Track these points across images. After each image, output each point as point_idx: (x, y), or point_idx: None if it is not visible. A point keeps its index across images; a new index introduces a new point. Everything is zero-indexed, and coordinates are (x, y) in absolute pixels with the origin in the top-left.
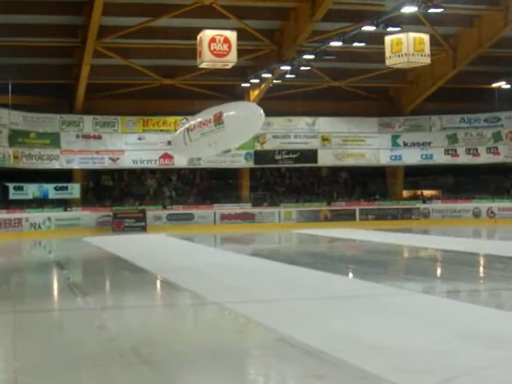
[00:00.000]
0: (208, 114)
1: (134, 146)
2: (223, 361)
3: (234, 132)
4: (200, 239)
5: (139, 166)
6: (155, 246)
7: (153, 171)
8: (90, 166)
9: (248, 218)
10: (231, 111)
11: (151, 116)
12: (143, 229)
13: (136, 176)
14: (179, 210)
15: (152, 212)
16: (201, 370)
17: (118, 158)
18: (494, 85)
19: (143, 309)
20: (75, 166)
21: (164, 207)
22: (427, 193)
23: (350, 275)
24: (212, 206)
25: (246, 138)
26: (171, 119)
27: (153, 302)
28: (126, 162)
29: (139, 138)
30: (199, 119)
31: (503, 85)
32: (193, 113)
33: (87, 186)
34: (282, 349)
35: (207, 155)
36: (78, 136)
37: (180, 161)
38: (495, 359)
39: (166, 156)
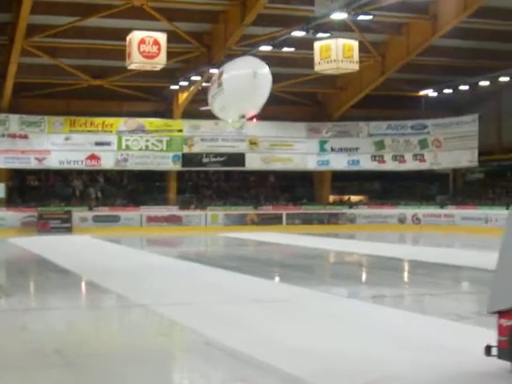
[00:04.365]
0: (220, 69)
1: (60, 146)
2: (148, 364)
3: (233, 95)
4: (126, 241)
5: (66, 166)
6: (80, 247)
7: (79, 172)
8: (16, 165)
9: (175, 220)
10: (231, 70)
11: (79, 116)
12: (69, 230)
13: (62, 176)
14: (105, 211)
15: (78, 213)
16: (125, 373)
17: (44, 158)
18: (422, 92)
19: (68, 310)
20: (0, 165)
21: (90, 209)
22: (355, 198)
23: (276, 279)
24: (139, 208)
25: (250, 101)
26: (99, 120)
27: (78, 304)
28: (53, 162)
29: (66, 139)
30: (214, 76)
31: (430, 92)
32: (121, 114)
33: (12, 185)
34: (208, 352)
35: (229, 119)
36: (3, 135)
37: (107, 162)
38: (416, 363)
39: (92, 157)
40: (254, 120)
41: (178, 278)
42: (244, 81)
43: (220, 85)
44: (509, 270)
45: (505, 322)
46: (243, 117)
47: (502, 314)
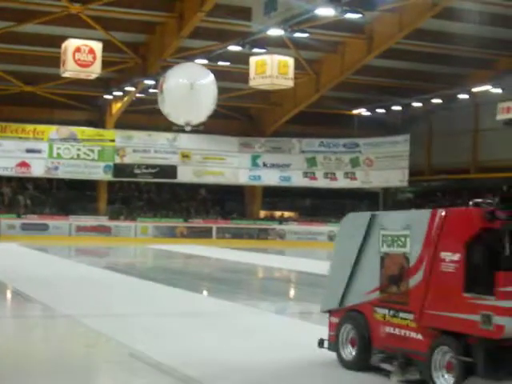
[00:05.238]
0: (164, 75)
1: None
2: (71, 375)
3: (173, 105)
4: (54, 250)
5: None
6: (6, 255)
7: (9, 179)
8: None
9: (104, 230)
10: (171, 78)
11: (9, 123)
12: None
13: None
14: (34, 219)
15: (5, 220)
16: None
17: None
18: (355, 111)
19: None
20: None
21: (18, 216)
22: (287, 214)
23: (205, 293)
24: (68, 217)
25: (190, 111)
26: (30, 127)
27: (1, 313)
28: None
29: None
30: (160, 81)
31: (363, 112)
32: (53, 122)
33: None
34: (133, 364)
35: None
36: None
37: (37, 169)
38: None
39: (23, 164)
40: (201, 127)
41: (105, 289)
42: (181, 92)
43: (161, 93)
44: (337, 275)
45: (333, 320)
46: (188, 124)
47: (331, 312)
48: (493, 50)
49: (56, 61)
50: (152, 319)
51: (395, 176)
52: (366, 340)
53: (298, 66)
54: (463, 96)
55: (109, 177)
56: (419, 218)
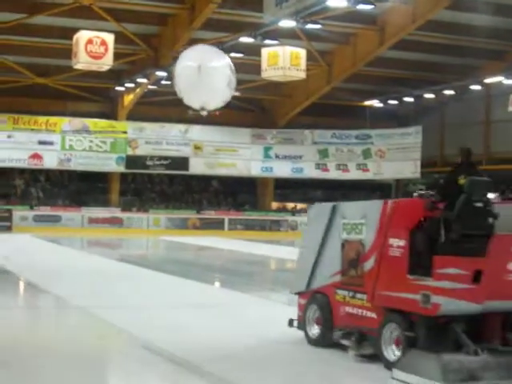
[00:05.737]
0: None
1: (2, 144)
2: (84, 366)
3: (183, 88)
4: (66, 242)
5: (8, 164)
6: (19, 247)
7: (21, 171)
8: None
9: (116, 222)
10: (181, 61)
11: (22, 114)
12: (9, 229)
13: (4, 175)
14: (47, 211)
15: (18, 212)
16: (61, 375)
17: None
18: (367, 103)
19: (3, 310)
20: None
21: (31, 208)
22: (299, 206)
23: (217, 284)
24: (80, 208)
25: (200, 95)
26: (42, 119)
27: (14, 304)
28: None
29: (8, 136)
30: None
31: (375, 103)
32: (65, 114)
33: None
34: (145, 356)
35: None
36: None
37: (50, 161)
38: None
39: (35, 156)
40: (217, 113)
41: (117, 280)
42: (189, 74)
43: (174, 76)
44: (304, 260)
45: (302, 301)
46: (203, 108)
47: (300, 294)
48: (505, 41)
49: (68, 53)
50: (164, 311)
51: (407, 167)
52: (328, 319)
53: (310, 57)
54: (475, 87)
55: (121, 168)
56: (373, 208)
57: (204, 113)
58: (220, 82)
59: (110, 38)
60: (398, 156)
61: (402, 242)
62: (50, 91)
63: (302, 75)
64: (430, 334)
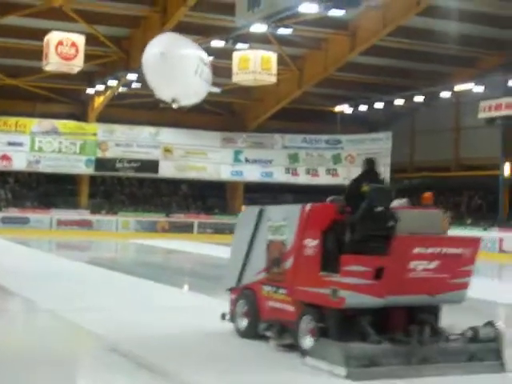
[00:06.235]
0: None
1: None
2: (52, 369)
3: (149, 77)
4: (35, 244)
5: None
6: None
7: None
8: None
9: (85, 224)
10: (147, 48)
11: None
12: None
13: None
14: (15, 212)
15: None
16: (29, 378)
17: None
18: (337, 108)
19: None
20: None
21: None
22: None
23: (185, 287)
24: (49, 210)
25: (169, 85)
26: (12, 120)
27: None
28: None
29: None
30: None
31: (346, 108)
32: (35, 115)
33: None
34: (112, 358)
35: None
36: None
37: (19, 163)
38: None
39: (4, 157)
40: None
41: (86, 283)
42: (153, 62)
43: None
44: (235, 259)
45: (233, 296)
46: (174, 101)
47: (231, 290)
48: (476, 48)
49: (38, 54)
50: (132, 313)
51: None
52: (255, 313)
53: (281, 61)
54: (445, 94)
55: (90, 171)
56: (294, 212)
57: (175, 105)
58: (186, 70)
59: (80, 40)
60: None
61: (315, 242)
62: (20, 92)
63: (273, 79)
64: (339, 325)
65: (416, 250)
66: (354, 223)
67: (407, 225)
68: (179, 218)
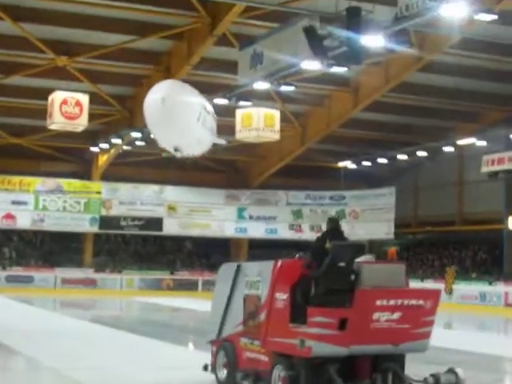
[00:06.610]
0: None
1: None
2: None
3: (150, 124)
4: (39, 303)
5: None
6: None
7: None
8: None
9: (90, 283)
10: (148, 94)
11: None
12: None
13: None
14: (19, 271)
15: None
16: None
17: None
18: (340, 164)
19: None
20: None
21: (3, 268)
22: None
23: (191, 346)
24: (53, 269)
25: (170, 132)
26: (16, 179)
27: None
28: None
29: None
30: None
31: (349, 164)
32: (39, 174)
33: None
34: None
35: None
36: None
37: (23, 221)
38: None
39: (8, 216)
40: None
41: (91, 342)
42: (153, 108)
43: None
44: (215, 313)
45: (214, 348)
46: (177, 150)
47: (212, 342)
48: (477, 103)
49: (43, 113)
50: (137, 372)
51: (381, 228)
52: (233, 363)
53: (284, 118)
54: (448, 149)
55: (95, 229)
56: (267, 267)
57: (178, 155)
58: (188, 116)
59: (85, 99)
60: (371, 217)
61: (285, 296)
62: (24, 151)
63: (276, 136)
64: (308, 373)
65: (378, 302)
66: (318, 278)
67: (371, 278)
68: (183, 275)
